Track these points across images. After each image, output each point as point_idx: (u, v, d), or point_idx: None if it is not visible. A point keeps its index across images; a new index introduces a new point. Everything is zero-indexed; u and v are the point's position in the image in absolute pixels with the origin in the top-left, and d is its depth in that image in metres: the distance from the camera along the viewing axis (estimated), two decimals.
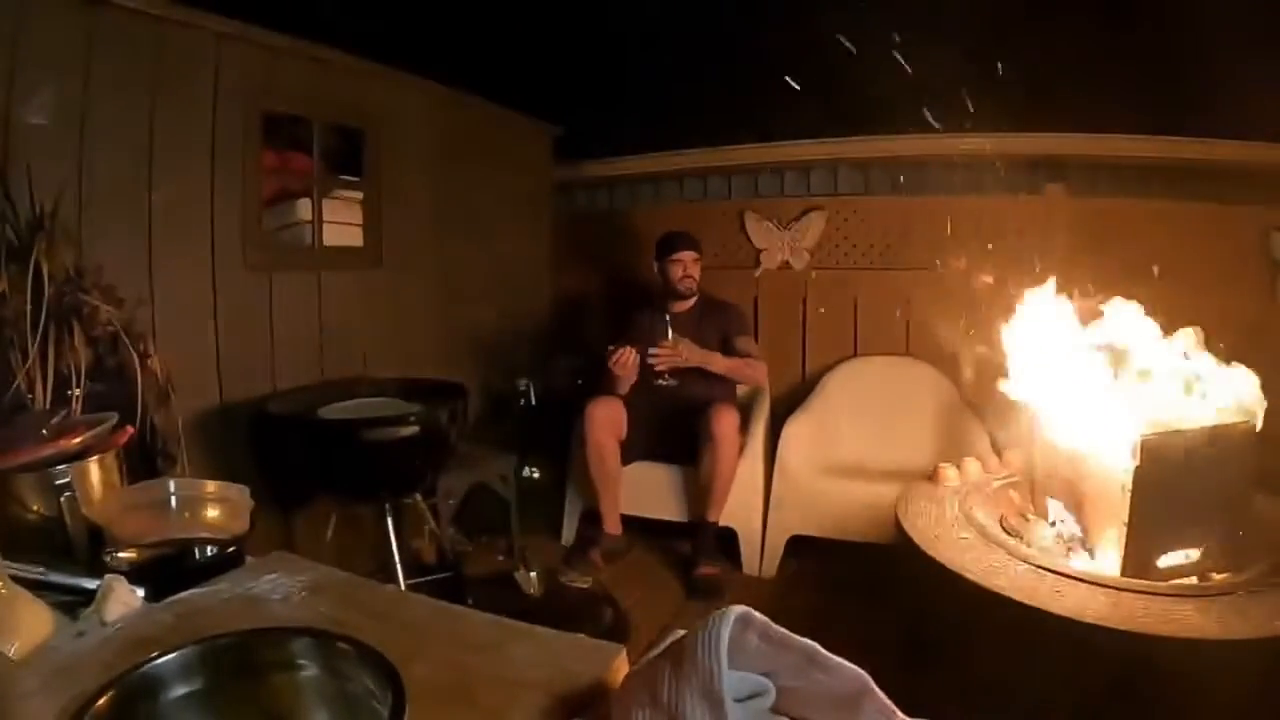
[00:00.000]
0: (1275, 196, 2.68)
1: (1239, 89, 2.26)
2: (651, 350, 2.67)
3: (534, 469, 3.13)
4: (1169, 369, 1.56)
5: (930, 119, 2.93)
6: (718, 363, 2.73)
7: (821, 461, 2.79)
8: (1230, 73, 2.20)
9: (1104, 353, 1.61)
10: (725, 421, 2.57)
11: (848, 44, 2.49)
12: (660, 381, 2.76)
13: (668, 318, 2.81)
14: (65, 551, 0.97)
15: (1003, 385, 1.74)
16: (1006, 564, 1.46)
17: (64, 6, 1.74)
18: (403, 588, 2.10)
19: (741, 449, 2.64)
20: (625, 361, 2.64)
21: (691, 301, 2.92)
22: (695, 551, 2.64)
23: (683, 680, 0.50)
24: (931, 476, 1.97)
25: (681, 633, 0.55)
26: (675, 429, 2.72)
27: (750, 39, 3.05)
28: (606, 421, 2.66)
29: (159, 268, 1.98)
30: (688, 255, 2.88)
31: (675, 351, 2.67)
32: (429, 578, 2.39)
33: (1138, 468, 1.40)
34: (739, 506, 2.68)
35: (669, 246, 2.90)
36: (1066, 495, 1.64)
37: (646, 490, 2.82)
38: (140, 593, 0.81)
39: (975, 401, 2.81)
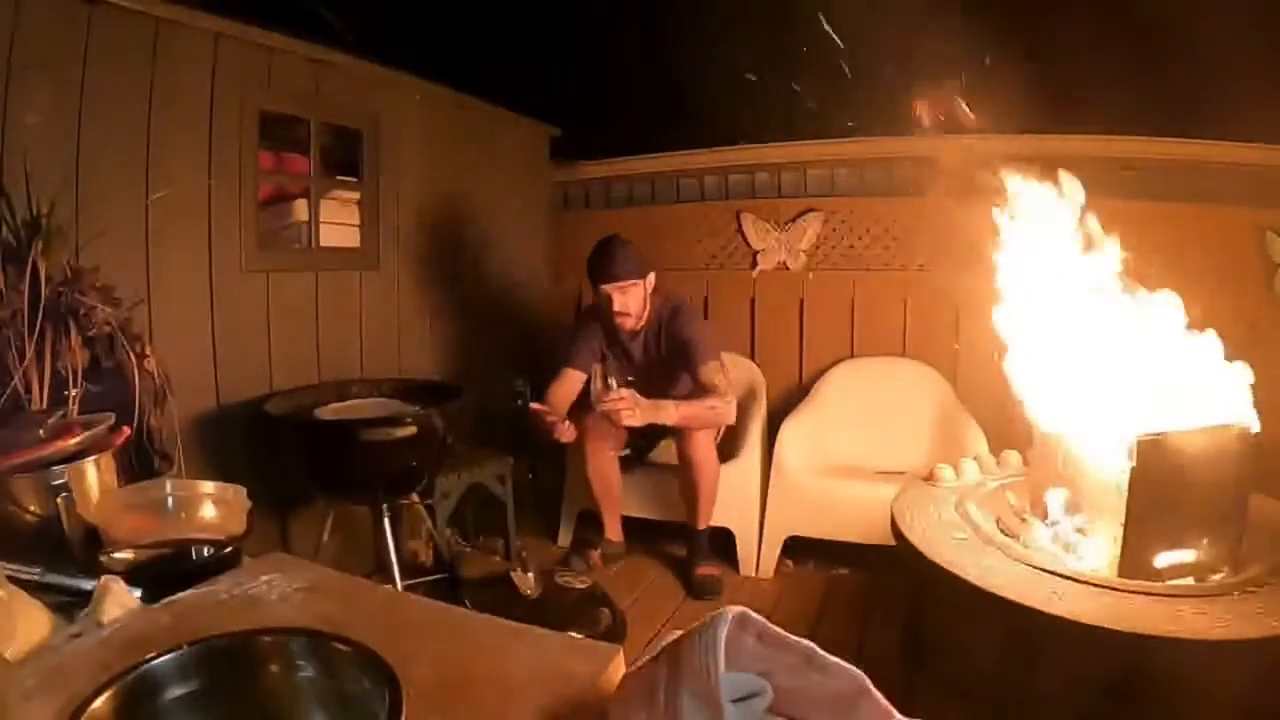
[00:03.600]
0: (1272, 198, 2.69)
1: (1236, 89, 2.27)
2: (604, 402, 2.21)
3: (531, 470, 3.12)
4: (1170, 368, 1.56)
5: (928, 120, 2.94)
6: (670, 414, 2.32)
7: (818, 462, 2.79)
8: (1227, 73, 2.21)
9: (1103, 352, 1.62)
10: (698, 446, 2.47)
11: (845, 44, 2.50)
12: (626, 424, 2.29)
13: (605, 362, 2.41)
14: (62, 552, 0.97)
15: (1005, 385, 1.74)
16: (1003, 565, 1.46)
17: (61, 5, 1.73)
18: (399, 589, 2.10)
19: (723, 458, 2.59)
20: (566, 432, 2.45)
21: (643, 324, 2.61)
22: (691, 553, 2.63)
23: (680, 681, 0.50)
24: (928, 477, 1.97)
25: (678, 633, 0.55)
26: (665, 434, 2.69)
27: (748, 39, 3.06)
28: (604, 434, 2.59)
29: (156, 268, 1.97)
30: (616, 286, 2.47)
31: (631, 402, 2.21)
32: (426, 579, 2.40)
33: (1134, 468, 1.40)
34: (736, 507, 2.67)
35: (593, 273, 2.54)
36: (1064, 496, 1.64)
37: (642, 492, 2.82)
38: (137, 593, 0.81)
39: (971, 402, 2.81)
